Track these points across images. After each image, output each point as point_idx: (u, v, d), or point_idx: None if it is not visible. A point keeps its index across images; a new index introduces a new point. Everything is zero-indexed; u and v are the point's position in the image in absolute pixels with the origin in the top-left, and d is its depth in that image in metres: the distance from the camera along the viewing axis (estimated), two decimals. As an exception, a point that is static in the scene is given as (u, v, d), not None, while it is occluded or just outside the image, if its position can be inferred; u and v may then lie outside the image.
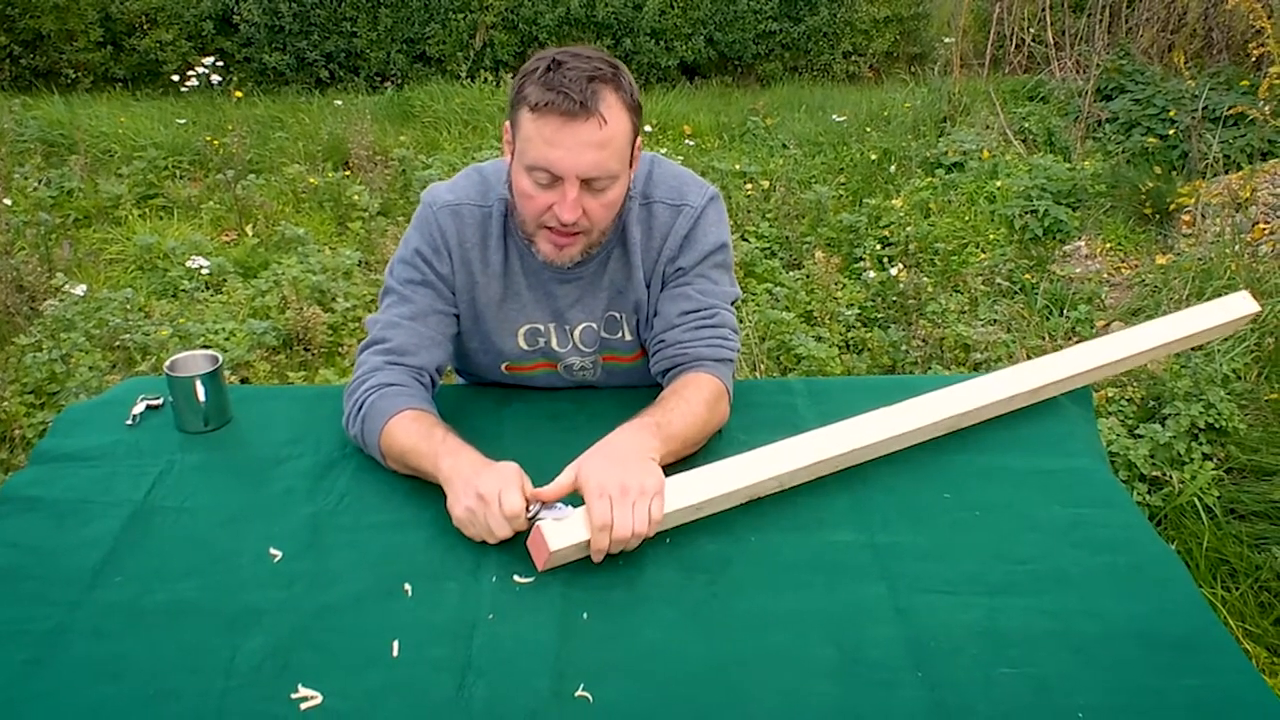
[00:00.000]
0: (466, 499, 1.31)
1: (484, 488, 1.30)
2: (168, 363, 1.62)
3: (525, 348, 1.67)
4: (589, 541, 1.28)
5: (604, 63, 1.42)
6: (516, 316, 1.65)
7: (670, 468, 1.40)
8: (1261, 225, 4.14)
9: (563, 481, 1.32)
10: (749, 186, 5.08)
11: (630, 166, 1.51)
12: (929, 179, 5.15)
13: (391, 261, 1.64)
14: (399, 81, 7.02)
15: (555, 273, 1.61)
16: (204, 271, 3.97)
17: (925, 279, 4.01)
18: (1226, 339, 3.23)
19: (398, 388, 1.52)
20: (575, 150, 1.39)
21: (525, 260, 1.61)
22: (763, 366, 3.42)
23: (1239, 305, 1.87)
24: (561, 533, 1.27)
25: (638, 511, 1.27)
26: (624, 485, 1.28)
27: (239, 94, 6.34)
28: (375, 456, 1.50)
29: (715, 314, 1.61)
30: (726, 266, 1.66)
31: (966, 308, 3.87)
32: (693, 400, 1.51)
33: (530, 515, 1.30)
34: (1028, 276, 4.17)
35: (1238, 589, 2.39)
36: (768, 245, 4.50)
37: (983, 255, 4.35)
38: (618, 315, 1.66)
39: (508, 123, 1.49)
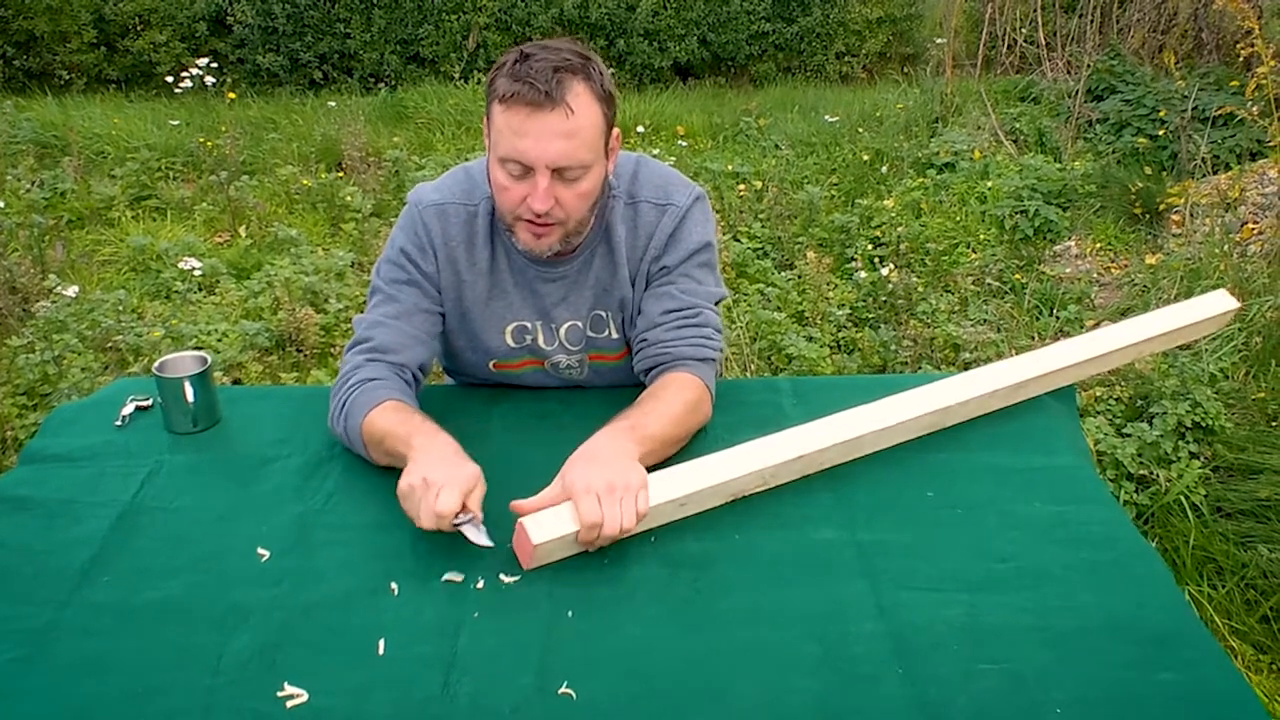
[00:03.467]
0: (412, 477, 1.31)
1: (432, 474, 1.30)
2: (157, 363, 1.63)
3: (513, 345, 1.68)
4: (574, 536, 1.29)
5: (573, 54, 1.43)
6: (503, 314, 1.66)
7: (653, 468, 1.40)
8: (1250, 225, 4.16)
9: (550, 493, 1.33)
10: (741, 187, 5.10)
11: (607, 158, 1.51)
12: (920, 179, 5.16)
13: (378, 261, 1.65)
14: (392, 83, 7.03)
15: (541, 271, 1.62)
16: (197, 273, 3.98)
17: (916, 279, 4.03)
18: (1214, 339, 3.25)
19: (380, 381, 1.53)
20: (543, 140, 1.40)
21: (512, 258, 1.63)
22: (753, 367, 3.43)
23: (1218, 303, 1.89)
24: (544, 527, 1.28)
25: (624, 506, 1.28)
26: (610, 483, 1.29)
27: (232, 95, 6.34)
28: (358, 449, 1.51)
29: (698, 313, 1.62)
30: (711, 266, 1.67)
31: (957, 307, 3.89)
32: (671, 401, 1.52)
33: (456, 522, 1.29)
34: (1018, 276, 4.19)
35: (1224, 587, 2.41)
36: (760, 245, 4.51)
37: (973, 255, 4.36)
38: (603, 314, 1.67)
39: (485, 117, 1.50)
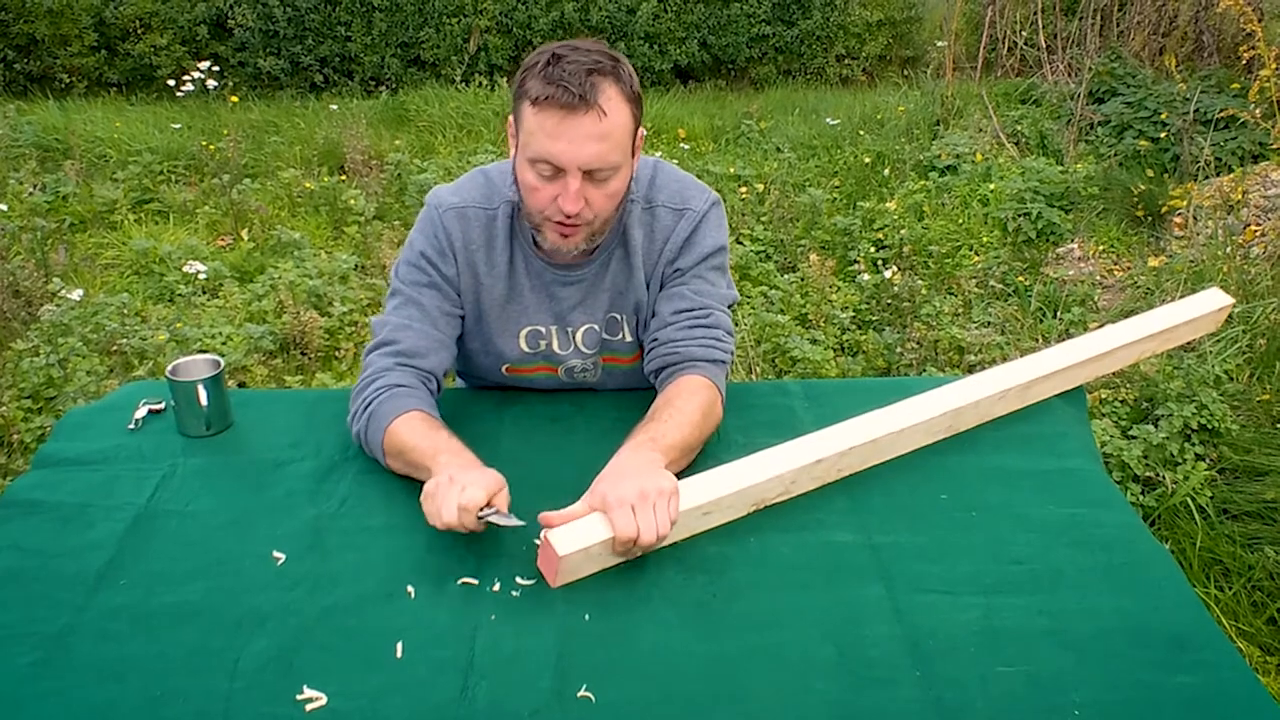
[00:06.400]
0: (439, 477, 1.33)
1: (458, 475, 1.31)
2: (169, 367, 1.62)
3: (526, 350, 1.69)
4: (599, 550, 1.29)
5: (604, 55, 1.43)
6: (519, 318, 1.66)
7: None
8: (1253, 227, 4.16)
9: (577, 508, 1.33)
10: (743, 190, 5.10)
11: (633, 156, 1.52)
12: (922, 182, 5.17)
13: (396, 263, 1.65)
14: (393, 86, 7.03)
15: (558, 275, 1.63)
16: (200, 276, 3.98)
17: (919, 281, 4.03)
18: (1218, 340, 3.26)
19: (406, 389, 1.53)
20: (576, 143, 1.41)
21: (529, 262, 1.63)
22: (758, 369, 3.44)
23: (1212, 300, 1.91)
24: (569, 540, 1.27)
25: (658, 513, 1.28)
26: (642, 491, 1.29)
27: (234, 98, 6.34)
28: (376, 455, 1.51)
29: (710, 314, 1.62)
30: (723, 269, 1.67)
31: (960, 310, 3.89)
32: (686, 408, 1.52)
33: (482, 515, 1.30)
34: (1021, 279, 4.19)
35: (1230, 589, 2.41)
36: (762, 248, 4.52)
37: (976, 258, 4.37)
38: (618, 316, 1.68)
39: (511, 117, 1.50)
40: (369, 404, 1.52)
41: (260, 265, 4.24)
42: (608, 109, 1.41)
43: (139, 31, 6.77)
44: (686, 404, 1.53)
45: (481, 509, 1.29)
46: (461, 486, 1.29)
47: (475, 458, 1.41)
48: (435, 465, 1.38)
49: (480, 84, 6.73)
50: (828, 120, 6.20)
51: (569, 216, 1.46)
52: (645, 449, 1.41)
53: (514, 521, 1.30)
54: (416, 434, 1.46)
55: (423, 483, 1.44)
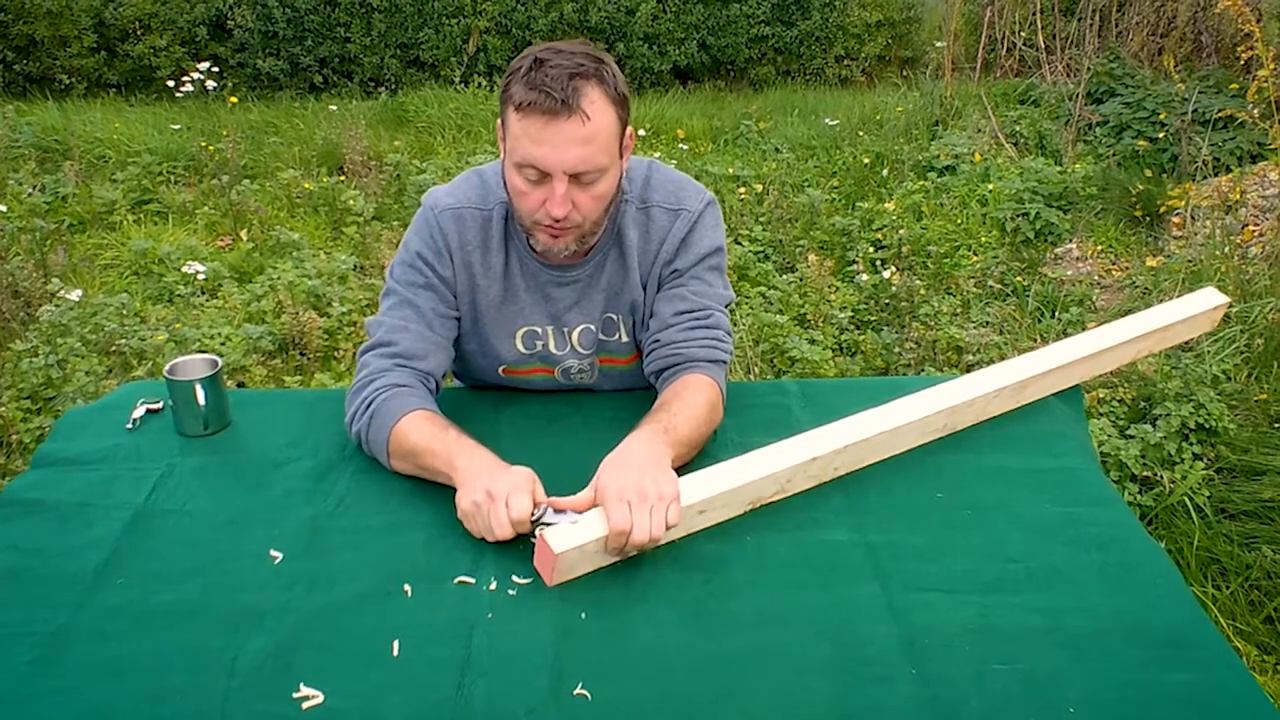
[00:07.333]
0: (475, 494, 1.33)
1: (494, 486, 1.32)
2: (167, 367, 1.63)
3: (523, 351, 1.69)
4: (595, 547, 1.29)
5: (587, 58, 1.43)
6: (515, 319, 1.66)
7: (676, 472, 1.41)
8: (1251, 227, 4.17)
9: (583, 497, 1.34)
10: (742, 190, 5.11)
11: (621, 158, 1.52)
12: (921, 182, 5.17)
13: (392, 264, 1.65)
14: (393, 86, 7.04)
15: (554, 276, 1.63)
16: (199, 276, 3.98)
17: (918, 281, 4.04)
18: (1215, 340, 3.26)
19: (408, 389, 1.53)
20: (560, 147, 1.41)
21: (525, 263, 1.63)
22: (756, 369, 3.44)
23: (1208, 299, 1.92)
24: (565, 537, 1.27)
25: (655, 515, 1.28)
26: (642, 490, 1.29)
27: (233, 99, 6.35)
28: (379, 456, 1.51)
29: (710, 315, 1.63)
30: (721, 270, 1.68)
31: (959, 310, 3.90)
32: (694, 403, 1.53)
33: (535, 519, 1.31)
34: (1019, 279, 4.20)
35: (1228, 588, 2.42)
36: (761, 249, 4.53)
37: (975, 258, 4.37)
38: (614, 317, 1.68)
39: (500, 121, 1.51)
40: (370, 403, 1.52)
41: (259, 266, 4.25)
42: (591, 113, 1.41)
43: (138, 32, 6.77)
44: (694, 398, 1.54)
45: (532, 513, 1.31)
46: (504, 499, 1.30)
47: (491, 454, 1.41)
48: (455, 473, 1.39)
49: (479, 85, 6.74)
50: (827, 121, 6.21)
51: (557, 220, 1.47)
52: (658, 441, 1.41)
53: (572, 519, 1.31)
54: (425, 435, 1.46)
55: (427, 482, 1.46)
